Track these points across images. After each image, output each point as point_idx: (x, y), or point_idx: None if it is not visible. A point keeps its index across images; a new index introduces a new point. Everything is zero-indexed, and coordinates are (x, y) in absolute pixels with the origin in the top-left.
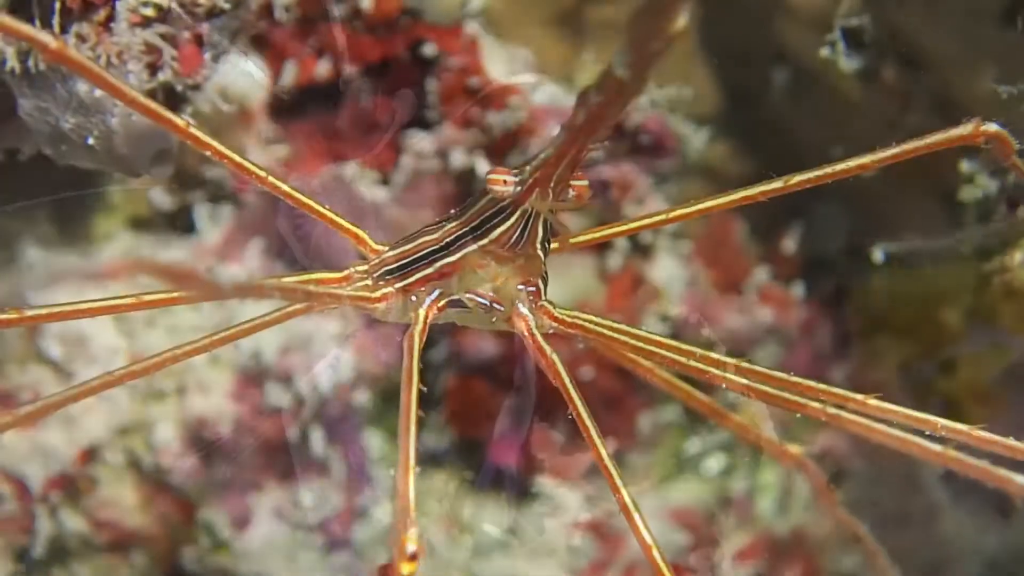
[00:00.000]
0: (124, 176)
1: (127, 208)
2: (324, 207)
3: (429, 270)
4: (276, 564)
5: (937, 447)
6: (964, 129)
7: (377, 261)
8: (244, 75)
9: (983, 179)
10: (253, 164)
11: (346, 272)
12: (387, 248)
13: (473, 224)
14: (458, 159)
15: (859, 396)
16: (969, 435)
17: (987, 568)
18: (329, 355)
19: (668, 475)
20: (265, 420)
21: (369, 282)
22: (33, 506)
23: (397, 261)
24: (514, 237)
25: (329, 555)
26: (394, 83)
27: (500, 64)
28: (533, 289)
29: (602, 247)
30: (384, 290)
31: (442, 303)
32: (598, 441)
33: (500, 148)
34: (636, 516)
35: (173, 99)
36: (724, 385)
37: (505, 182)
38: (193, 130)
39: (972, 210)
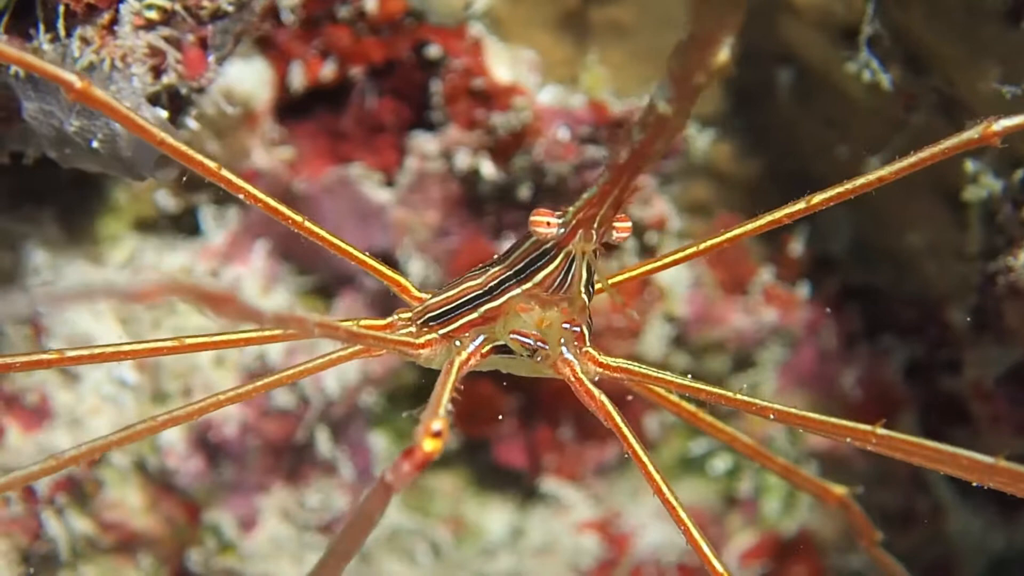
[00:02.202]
0: (128, 179)
1: (132, 210)
2: (364, 254)
3: (473, 315)
4: (282, 565)
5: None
6: (975, 132)
7: (420, 308)
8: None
9: (987, 179)
10: (290, 210)
11: (390, 320)
12: (430, 295)
13: (517, 267)
14: (463, 160)
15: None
16: (995, 467)
17: (993, 567)
18: None
19: (674, 476)
20: (271, 421)
21: (413, 329)
22: (39, 508)
23: (440, 307)
24: (558, 280)
25: None
26: (398, 84)
27: (504, 65)
28: (578, 331)
29: (609, 248)
30: (427, 336)
31: (486, 349)
32: (659, 480)
33: (505, 149)
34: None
35: (177, 102)
36: (770, 417)
37: (548, 224)
38: (225, 173)
39: (976, 210)
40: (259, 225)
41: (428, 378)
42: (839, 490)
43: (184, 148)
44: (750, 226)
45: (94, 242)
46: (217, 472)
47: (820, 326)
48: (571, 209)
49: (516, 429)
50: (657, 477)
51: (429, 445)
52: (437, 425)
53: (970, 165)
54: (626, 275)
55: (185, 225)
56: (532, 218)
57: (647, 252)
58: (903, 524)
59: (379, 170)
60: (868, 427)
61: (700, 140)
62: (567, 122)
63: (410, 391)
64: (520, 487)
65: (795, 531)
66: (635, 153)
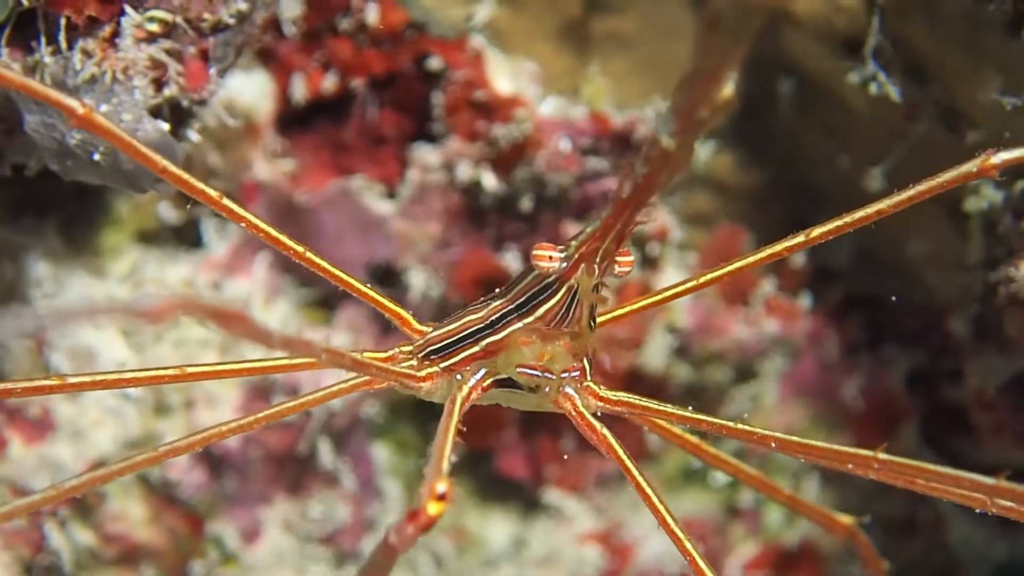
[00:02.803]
0: (130, 191)
1: (134, 222)
2: (367, 286)
3: (475, 348)
4: None
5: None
6: (973, 165)
7: (421, 341)
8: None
9: (988, 190)
10: (295, 243)
11: (391, 352)
12: (431, 328)
13: (519, 301)
14: (464, 172)
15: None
16: (996, 488)
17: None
18: None
19: (676, 487)
20: (273, 433)
21: (414, 362)
22: (42, 520)
23: (442, 340)
24: (560, 314)
25: (338, 568)
26: (400, 96)
27: (505, 77)
28: (578, 368)
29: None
30: (429, 370)
31: (487, 382)
32: (663, 509)
33: (506, 161)
34: None
35: (179, 114)
36: (772, 445)
37: (551, 258)
38: (227, 202)
39: (977, 221)
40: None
41: None
42: (846, 519)
43: (186, 177)
44: (752, 259)
45: (96, 254)
46: (219, 484)
47: (822, 336)
48: (573, 243)
49: (518, 440)
50: (662, 508)
51: (433, 509)
52: (441, 487)
53: None
54: (625, 309)
55: (187, 237)
56: (534, 252)
57: (649, 263)
58: (906, 534)
59: (381, 182)
60: (869, 452)
61: (701, 151)
62: (568, 133)
63: (412, 403)
64: (522, 498)
65: (797, 542)
66: (638, 187)
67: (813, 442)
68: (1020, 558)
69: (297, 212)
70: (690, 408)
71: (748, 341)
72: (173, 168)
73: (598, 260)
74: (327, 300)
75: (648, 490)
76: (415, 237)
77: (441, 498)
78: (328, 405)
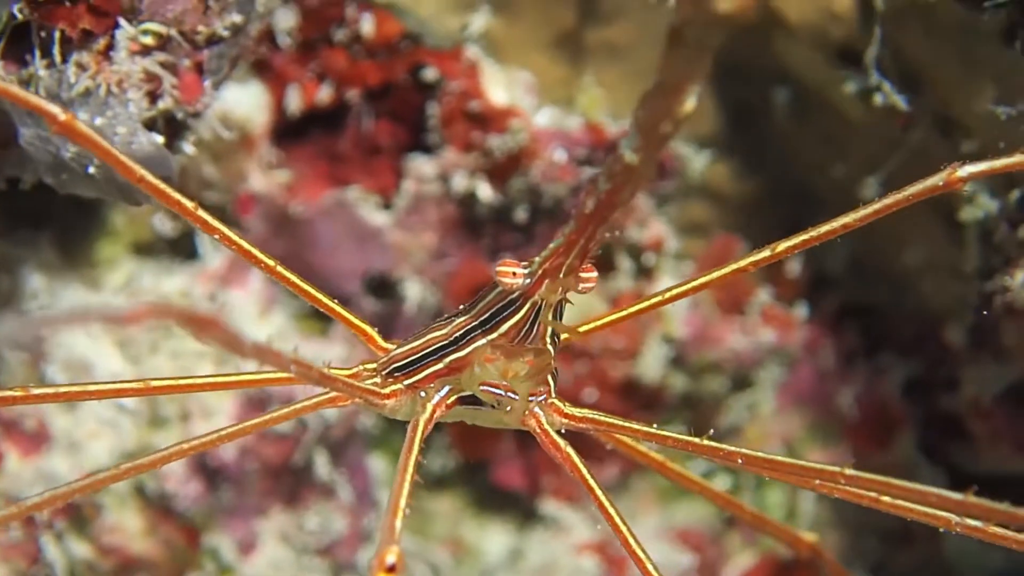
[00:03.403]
0: (125, 203)
1: (130, 234)
2: (333, 301)
3: (439, 366)
4: None
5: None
6: (939, 179)
7: (386, 359)
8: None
9: (984, 199)
10: (262, 254)
11: (355, 369)
12: (395, 345)
13: (483, 318)
14: (460, 183)
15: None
16: (963, 504)
17: None
18: None
19: (672, 496)
20: (269, 445)
21: (378, 380)
22: (38, 532)
23: (406, 357)
24: (523, 330)
25: None
26: (395, 107)
27: (501, 88)
28: (544, 387)
29: (606, 269)
30: (393, 387)
31: (451, 399)
32: (624, 530)
33: (502, 171)
34: None
35: (174, 127)
36: (738, 461)
37: (514, 274)
38: (201, 213)
39: (973, 230)
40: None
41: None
42: (810, 537)
43: (163, 186)
44: (716, 273)
45: (91, 266)
46: (216, 496)
47: (818, 345)
48: (537, 259)
49: (514, 451)
50: (623, 528)
51: None
52: (391, 559)
53: (967, 185)
54: (595, 323)
55: (182, 249)
56: (497, 268)
57: (644, 273)
58: (902, 543)
59: (376, 193)
60: (836, 468)
61: (697, 160)
62: (564, 144)
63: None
64: (519, 508)
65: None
66: (601, 203)
67: (779, 458)
68: (1016, 567)
69: (293, 223)
70: (654, 425)
71: (744, 351)
72: (144, 172)
73: (561, 276)
74: (320, 312)
75: (610, 509)
76: (411, 248)
77: (390, 570)
78: (324, 417)
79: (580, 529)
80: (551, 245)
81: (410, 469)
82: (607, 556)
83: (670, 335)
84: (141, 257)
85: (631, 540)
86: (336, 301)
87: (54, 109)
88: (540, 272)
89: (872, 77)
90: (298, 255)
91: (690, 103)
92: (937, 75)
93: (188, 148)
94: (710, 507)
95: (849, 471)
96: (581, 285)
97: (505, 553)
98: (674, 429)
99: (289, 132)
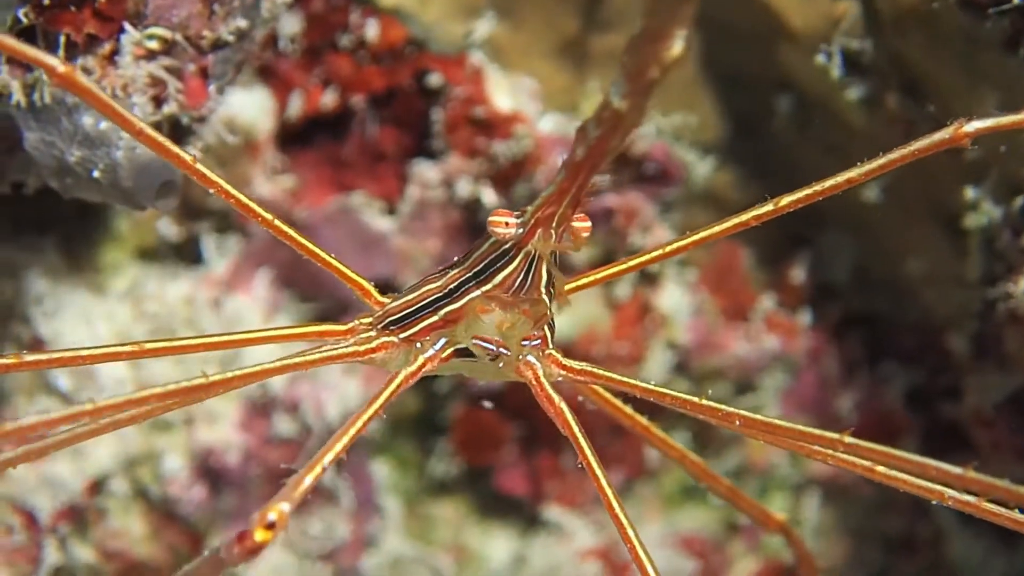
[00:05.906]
0: (129, 208)
1: (134, 239)
2: (329, 255)
3: (434, 318)
4: None
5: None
6: (946, 133)
7: (381, 313)
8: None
9: (987, 206)
10: (258, 205)
11: (351, 325)
12: (391, 299)
13: (476, 269)
14: (464, 188)
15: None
16: (962, 478)
17: None
18: None
19: (676, 503)
20: (273, 449)
21: (374, 333)
22: (42, 537)
23: (401, 311)
24: (518, 281)
25: None
26: (400, 113)
27: (505, 94)
28: (539, 336)
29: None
30: (385, 339)
31: (447, 352)
32: (609, 492)
33: (506, 177)
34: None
35: (179, 132)
36: (736, 423)
37: (507, 224)
38: (199, 166)
39: (976, 237)
40: (261, 253)
41: (430, 407)
42: (780, 516)
43: (160, 138)
44: (717, 228)
45: (96, 271)
46: (219, 500)
47: (821, 353)
48: (529, 208)
49: (517, 457)
50: (609, 492)
51: (259, 536)
52: (272, 515)
53: (970, 192)
54: (585, 280)
55: (187, 254)
56: (490, 219)
57: (648, 280)
58: (905, 550)
59: (380, 199)
60: (835, 435)
61: (700, 168)
62: (568, 150)
63: (412, 420)
64: (522, 515)
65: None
66: (591, 150)
67: (778, 421)
68: (1018, 574)
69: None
70: (652, 383)
71: (748, 357)
72: (142, 125)
73: (554, 225)
74: (328, 315)
75: (598, 471)
76: (415, 253)
77: (270, 527)
78: (328, 421)
79: (583, 535)
80: (543, 194)
81: (363, 419)
82: (610, 562)
83: (674, 341)
84: (146, 262)
85: (615, 504)
86: (331, 255)
87: (52, 61)
88: (533, 221)
89: (831, 46)
90: (302, 260)
91: (676, 48)
92: (939, 82)
93: (193, 153)
94: (714, 514)
95: (848, 439)
96: (575, 238)
97: (508, 559)
98: (678, 436)
99: (294, 137)
